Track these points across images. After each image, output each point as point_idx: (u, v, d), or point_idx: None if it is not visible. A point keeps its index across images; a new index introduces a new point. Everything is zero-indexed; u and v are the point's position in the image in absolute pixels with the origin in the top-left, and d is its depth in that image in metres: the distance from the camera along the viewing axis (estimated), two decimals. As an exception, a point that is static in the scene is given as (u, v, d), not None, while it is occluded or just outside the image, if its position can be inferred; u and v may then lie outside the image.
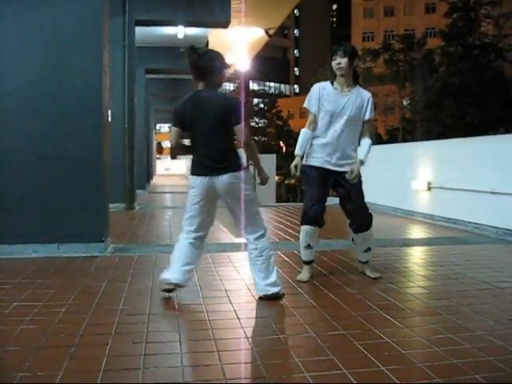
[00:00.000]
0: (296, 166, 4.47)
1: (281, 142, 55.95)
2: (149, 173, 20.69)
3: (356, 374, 2.60)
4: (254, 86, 76.68)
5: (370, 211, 4.63)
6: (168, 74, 20.46)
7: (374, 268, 4.80)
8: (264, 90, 76.58)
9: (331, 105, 4.44)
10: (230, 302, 3.87)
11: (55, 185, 5.63)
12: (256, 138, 59.54)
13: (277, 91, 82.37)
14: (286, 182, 49.19)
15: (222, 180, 3.77)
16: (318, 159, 4.49)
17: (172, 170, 41.18)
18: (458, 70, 36.44)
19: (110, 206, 6.38)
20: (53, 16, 5.64)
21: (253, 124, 61.33)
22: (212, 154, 3.79)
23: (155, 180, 26.08)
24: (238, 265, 5.19)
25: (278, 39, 75.03)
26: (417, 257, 5.95)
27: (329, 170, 4.48)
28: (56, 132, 5.63)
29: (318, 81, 4.70)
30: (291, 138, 56.51)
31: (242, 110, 3.82)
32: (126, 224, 8.40)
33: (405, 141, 34.67)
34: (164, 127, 64.94)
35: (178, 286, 3.96)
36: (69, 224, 5.65)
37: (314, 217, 4.46)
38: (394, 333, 3.21)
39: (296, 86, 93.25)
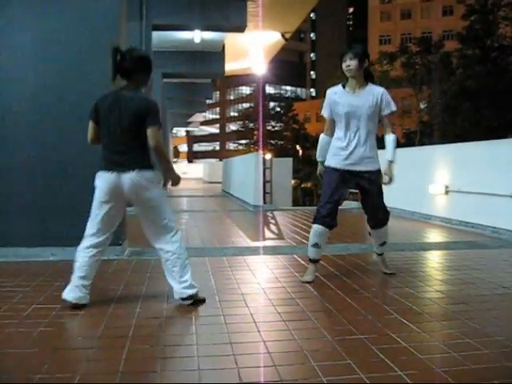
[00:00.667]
0: (321, 174, 4.67)
1: (297, 146, 55.88)
2: (166, 177, 20.76)
3: (373, 378, 2.59)
4: (270, 89, 76.77)
5: (387, 209, 4.77)
6: (184, 78, 20.59)
7: (387, 264, 4.97)
8: (280, 93, 76.55)
9: (344, 107, 4.51)
10: (247, 306, 3.87)
11: (73, 187, 5.66)
12: (272, 141, 59.62)
13: (293, 95, 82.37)
14: (302, 185, 49.11)
15: (127, 177, 3.72)
16: (336, 161, 4.56)
17: (189, 174, 41.22)
18: (475, 72, 36.14)
19: (127, 209, 6.40)
20: (70, 21, 5.69)
21: (269, 128, 61.36)
22: (119, 151, 3.76)
23: (172, 184, 26.15)
24: (254, 268, 5.19)
25: (294, 43, 74.99)
26: (434, 261, 5.90)
27: (348, 171, 4.54)
28: (73, 137, 5.67)
29: (333, 85, 4.74)
30: (308, 141, 56.41)
31: (158, 113, 3.79)
32: (142, 227, 8.39)
33: (422, 144, 34.46)
34: (181, 131, 65.20)
35: (76, 305, 3.77)
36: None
37: (325, 215, 4.50)
38: (411, 337, 3.19)
39: (312, 90, 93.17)
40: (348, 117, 4.48)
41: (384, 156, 4.56)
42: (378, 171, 4.61)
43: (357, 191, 4.95)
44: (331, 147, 4.63)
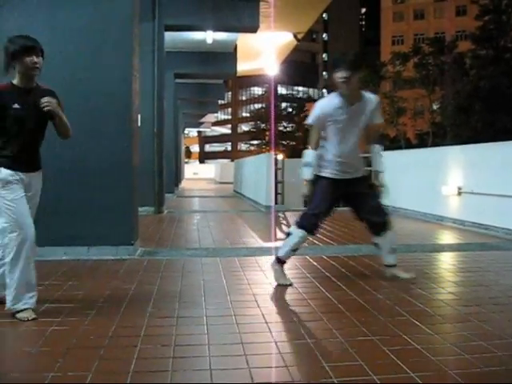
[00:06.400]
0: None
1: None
2: (177, 177, 20.85)
3: (385, 379, 2.57)
4: (282, 90, 76.66)
5: (387, 213, 4.61)
6: (196, 79, 20.66)
7: (403, 269, 4.81)
8: (292, 94, 76.52)
9: (339, 117, 4.36)
10: (258, 306, 3.87)
11: (86, 188, 5.70)
12: (284, 142, 59.59)
13: (305, 95, 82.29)
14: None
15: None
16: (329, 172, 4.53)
17: (200, 175, 41.39)
18: (488, 73, 35.97)
19: (139, 209, 6.44)
20: (84, 21, 5.72)
21: (281, 128, 61.36)
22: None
23: (183, 184, 26.24)
24: (266, 269, 5.18)
25: (306, 43, 74.82)
26: (447, 262, 5.87)
27: (339, 180, 4.51)
28: (85, 136, 5.70)
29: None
30: (319, 142, 56.23)
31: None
32: (154, 227, 8.46)
33: (435, 145, 34.29)
34: (192, 131, 65.31)
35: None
36: (98, 227, 5.71)
37: (314, 224, 4.49)
38: (423, 339, 3.17)
39: (324, 91, 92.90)
40: (343, 127, 4.40)
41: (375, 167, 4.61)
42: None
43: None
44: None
